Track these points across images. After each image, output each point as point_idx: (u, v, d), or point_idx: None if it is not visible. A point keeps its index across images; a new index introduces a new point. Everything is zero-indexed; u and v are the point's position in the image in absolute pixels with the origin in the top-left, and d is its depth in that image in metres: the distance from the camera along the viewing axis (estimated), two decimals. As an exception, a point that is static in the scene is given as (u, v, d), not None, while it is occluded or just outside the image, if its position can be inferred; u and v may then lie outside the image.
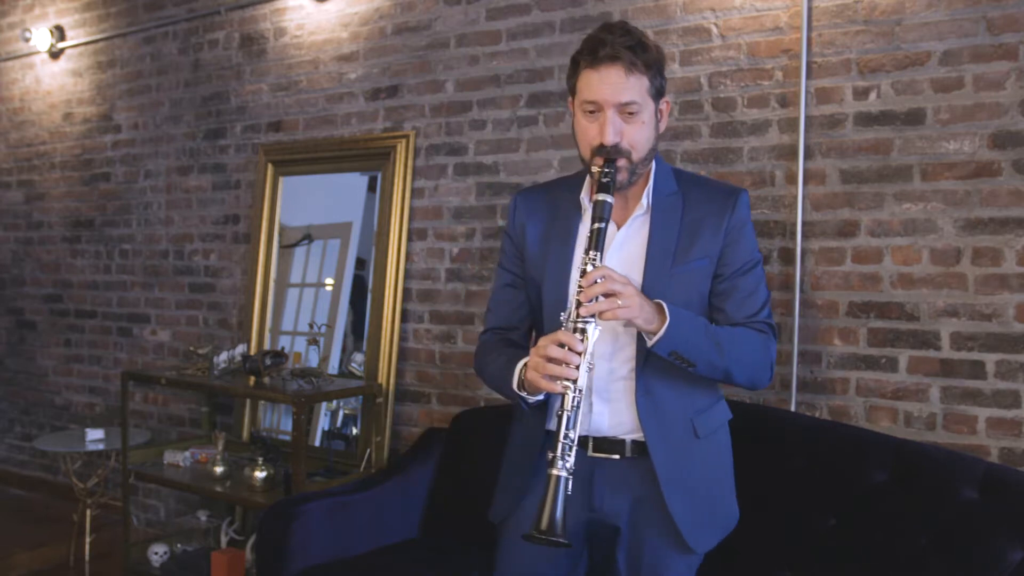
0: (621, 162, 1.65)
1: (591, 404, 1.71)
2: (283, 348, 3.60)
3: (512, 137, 3.17)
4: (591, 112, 1.66)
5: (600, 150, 1.65)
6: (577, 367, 1.54)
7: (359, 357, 3.47)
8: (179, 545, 3.66)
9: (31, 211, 4.88)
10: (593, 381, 1.70)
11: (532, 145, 3.13)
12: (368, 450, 3.32)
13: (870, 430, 2.44)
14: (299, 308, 3.71)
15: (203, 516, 3.72)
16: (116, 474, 3.91)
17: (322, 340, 3.57)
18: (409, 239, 3.42)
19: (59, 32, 4.63)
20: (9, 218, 5.00)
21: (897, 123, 2.49)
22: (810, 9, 2.60)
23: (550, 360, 1.54)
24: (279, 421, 3.67)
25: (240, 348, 3.55)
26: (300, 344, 3.65)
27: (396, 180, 3.40)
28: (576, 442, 1.54)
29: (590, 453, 1.73)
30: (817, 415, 2.60)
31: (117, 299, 4.45)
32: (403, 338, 3.42)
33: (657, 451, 1.68)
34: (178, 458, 3.55)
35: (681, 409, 1.71)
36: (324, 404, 3.51)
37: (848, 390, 2.56)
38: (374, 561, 2.69)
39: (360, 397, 3.40)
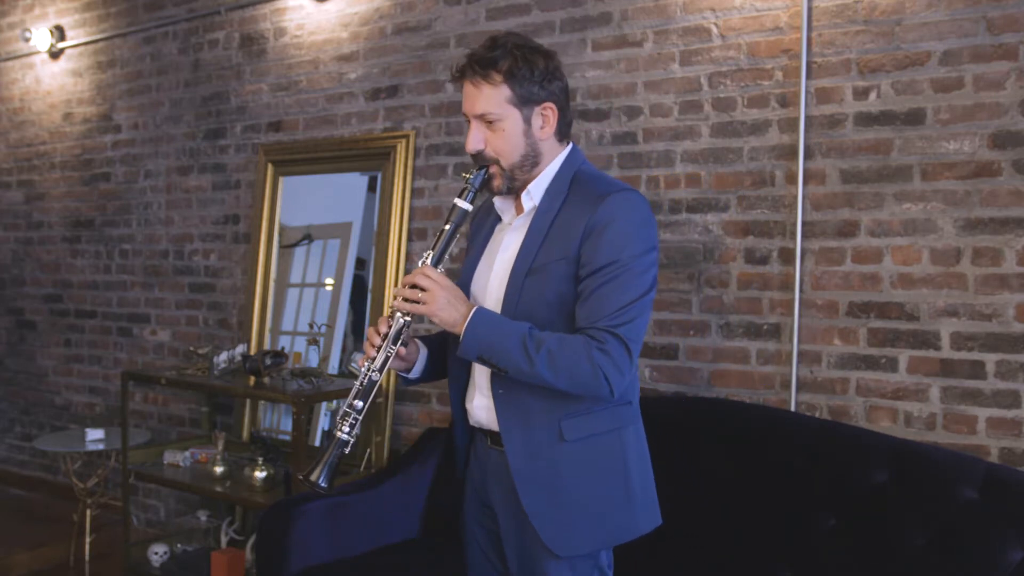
0: (494, 169, 1.73)
1: (474, 397, 1.79)
2: (283, 348, 3.60)
3: (512, 137, 3.17)
4: (467, 122, 1.75)
5: (472, 157, 1.74)
6: (377, 348, 1.70)
7: (359, 357, 3.47)
8: (179, 545, 3.66)
9: (31, 211, 4.88)
10: (475, 375, 1.79)
11: (532, 145, 3.13)
12: (368, 450, 3.32)
13: (870, 430, 2.44)
14: (299, 308, 3.71)
15: (203, 516, 3.72)
16: (116, 474, 3.91)
17: (322, 340, 3.57)
18: (409, 239, 3.42)
19: (59, 32, 4.63)
20: (9, 218, 5.01)
21: (897, 123, 2.49)
22: (810, 9, 2.60)
23: (368, 340, 1.73)
24: (279, 421, 3.67)
25: (240, 348, 3.56)
26: (300, 344, 3.65)
27: (396, 180, 3.40)
28: (362, 412, 1.70)
29: (488, 445, 1.79)
30: (817, 415, 2.60)
31: (117, 299, 4.45)
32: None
33: (513, 448, 1.70)
34: (178, 458, 3.55)
35: (546, 410, 1.68)
36: (324, 404, 3.51)
37: (848, 390, 2.56)
38: (374, 561, 2.69)
39: (360, 397, 3.39)
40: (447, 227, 1.70)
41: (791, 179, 2.64)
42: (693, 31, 2.80)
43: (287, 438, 3.52)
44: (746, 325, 2.72)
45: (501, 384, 1.71)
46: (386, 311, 1.74)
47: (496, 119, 1.69)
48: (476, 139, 1.72)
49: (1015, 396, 2.34)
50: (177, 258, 4.19)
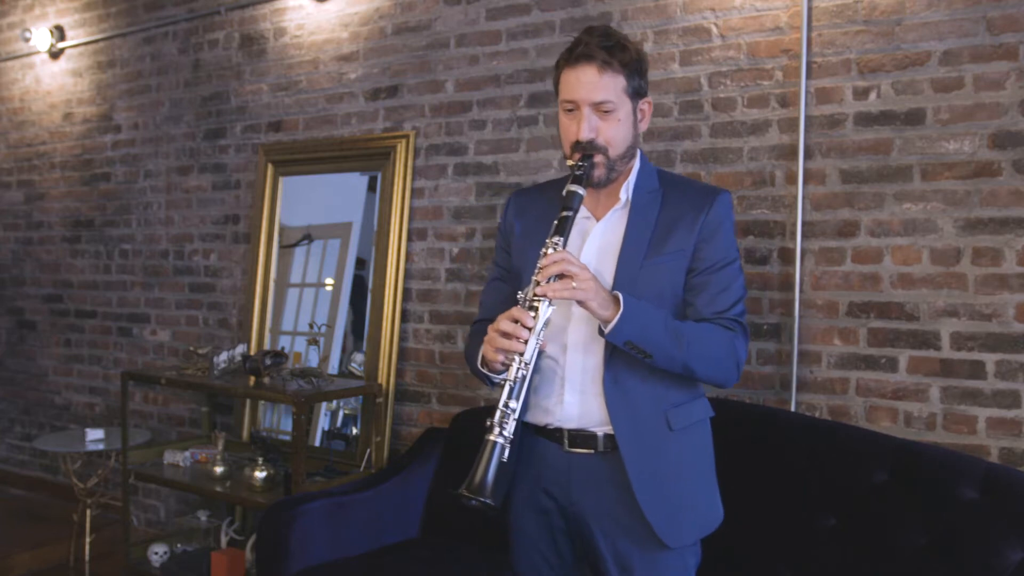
0: (598, 158, 1.70)
1: (563, 395, 1.75)
2: (283, 348, 3.60)
3: (512, 137, 3.17)
4: (570, 110, 1.72)
5: (577, 146, 1.70)
6: (525, 341, 1.58)
7: (359, 357, 3.48)
8: (179, 545, 3.66)
9: (31, 211, 4.88)
10: (566, 372, 1.74)
11: (532, 145, 3.13)
12: (368, 450, 3.32)
13: (870, 430, 2.44)
14: (299, 308, 3.71)
15: (203, 516, 3.72)
16: (116, 474, 3.91)
17: (322, 340, 3.57)
18: (409, 239, 3.42)
19: (59, 32, 4.63)
20: (9, 218, 5.01)
21: (897, 123, 2.49)
22: (810, 9, 2.60)
23: (503, 335, 1.60)
24: (279, 421, 3.68)
25: (240, 348, 3.56)
26: (300, 344, 3.65)
27: (396, 180, 3.40)
28: (518, 413, 1.58)
29: (566, 448, 1.76)
30: (817, 415, 2.60)
31: (117, 299, 4.45)
32: (403, 338, 3.42)
33: (627, 443, 1.69)
34: (178, 458, 3.55)
35: (653, 401, 1.72)
36: (324, 404, 3.51)
37: (848, 390, 2.56)
38: (374, 561, 2.69)
39: (360, 397, 3.40)
40: (567, 213, 1.65)
41: (791, 179, 2.64)
42: (693, 31, 2.80)
43: (287, 438, 3.52)
44: (746, 325, 2.72)
45: (613, 376, 1.70)
46: (523, 302, 1.64)
47: (613, 108, 1.69)
48: (590, 127, 1.69)
49: (1015, 396, 2.34)
50: (177, 258, 4.20)
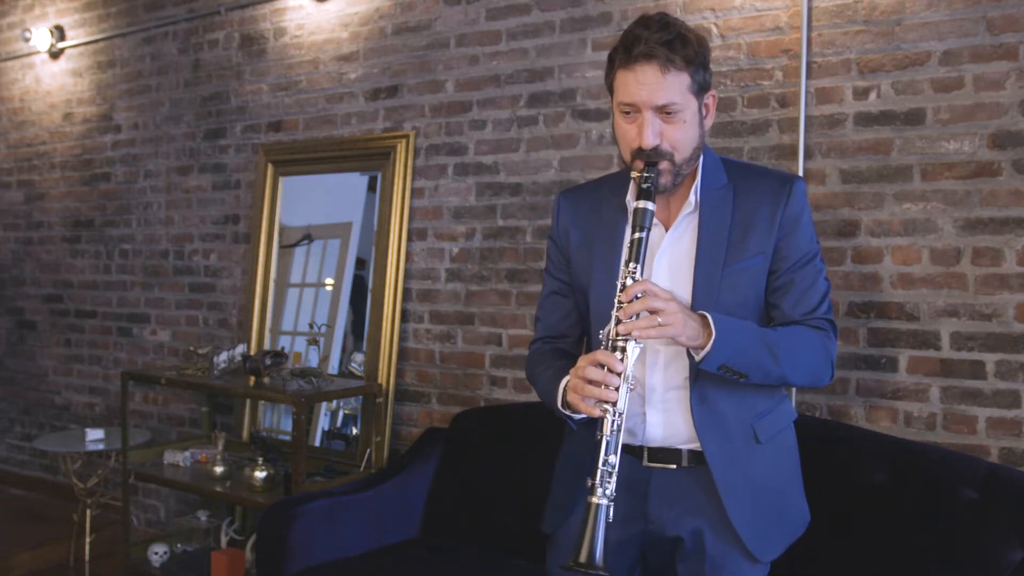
0: (663, 165, 1.56)
1: (644, 414, 1.65)
2: (283, 348, 3.60)
3: (512, 137, 3.17)
4: (628, 113, 1.57)
5: (640, 153, 1.56)
6: (616, 388, 1.47)
7: (359, 357, 3.47)
8: (179, 545, 3.66)
9: (31, 211, 4.88)
10: (647, 391, 1.64)
11: (532, 145, 3.13)
12: (368, 450, 3.32)
13: (870, 430, 2.44)
14: (299, 308, 3.71)
15: (203, 516, 3.72)
16: (116, 474, 3.91)
17: (322, 340, 3.57)
18: (409, 239, 3.42)
19: (59, 32, 4.63)
20: (9, 218, 5.01)
21: (897, 123, 2.49)
22: (810, 9, 2.60)
23: (589, 382, 1.48)
24: (279, 421, 3.67)
25: (240, 348, 3.56)
26: (300, 344, 3.65)
27: (396, 180, 3.40)
28: (617, 468, 1.47)
29: (645, 463, 1.66)
30: (817, 415, 2.60)
31: (117, 299, 4.45)
32: (403, 338, 3.42)
33: (716, 460, 1.60)
34: (178, 458, 3.55)
35: (740, 416, 1.63)
36: (324, 404, 3.51)
37: (848, 390, 2.56)
38: (374, 561, 2.69)
39: (360, 397, 3.40)
40: (639, 235, 1.51)
41: (791, 179, 2.64)
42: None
43: (287, 438, 3.52)
44: (746, 325, 2.72)
45: (700, 395, 1.60)
46: (605, 343, 1.54)
47: (679, 110, 1.54)
48: (654, 132, 1.54)
49: (1015, 396, 2.34)
50: (177, 258, 4.20)
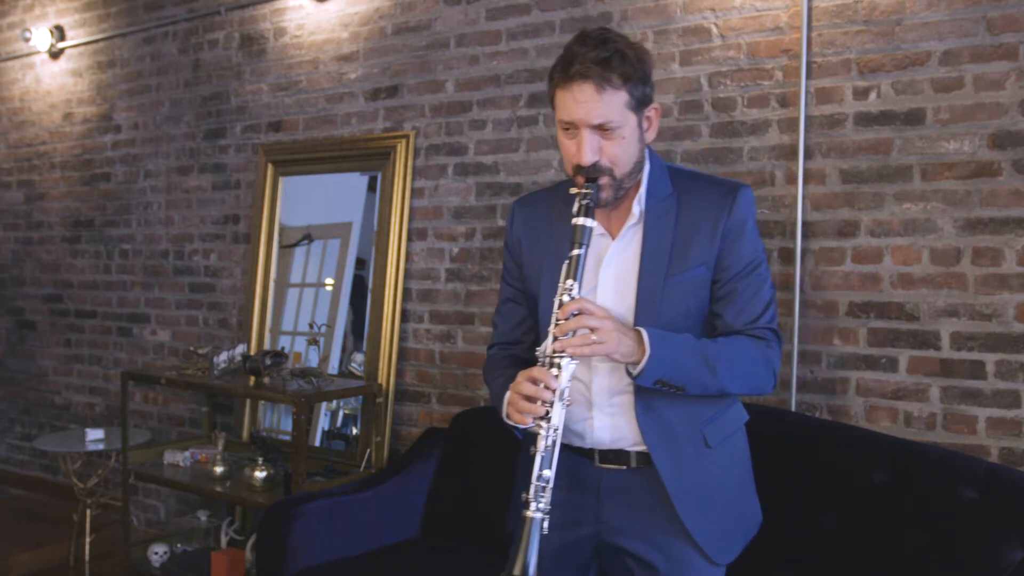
0: (603, 180, 1.58)
1: (592, 418, 1.67)
2: (283, 348, 3.60)
3: (512, 137, 3.17)
4: (567, 130, 1.58)
5: (580, 169, 1.57)
6: (551, 405, 1.50)
7: (359, 357, 3.47)
8: (179, 545, 3.66)
9: (31, 211, 4.88)
10: (593, 395, 1.66)
11: (532, 145, 3.13)
12: (368, 450, 3.32)
13: (870, 430, 2.44)
14: (299, 308, 3.71)
15: (203, 516, 3.72)
16: (116, 474, 3.91)
17: (322, 340, 3.57)
18: (409, 239, 3.42)
19: (59, 32, 4.63)
20: (9, 218, 5.01)
21: (897, 123, 2.49)
22: (810, 9, 2.60)
23: (525, 398, 1.51)
24: (279, 421, 3.68)
25: (240, 348, 3.56)
26: (300, 344, 3.65)
27: (396, 180, 3.40)
28: (552, 482, 1.49)
29: (596, 464, 1.69)
30: (817, 415, 2.60)
31: (117, 299, 4.45)
32: (403, 338, 3.42)
33: (665, 466, 1.62)
34: (178, 458, 3.55)
35: (687, 421, 1.64)
36: (324, 404, 3.51)
37: (848, 390, 2.56)
38: (374, 561, 2.69)
39: (360, 397, 3.40)
40: (578, 251, 1.53)
41: (791, 179, 2.64)
42: (693, 31, 2.80)
43: (287, 438, 3.52)
44: (746, 325, 2.72)
45: (644, 403, 1.62)
46: (542, 359, 1.57)
47: (616, 127, 1.54)
48: (592, 149, 1.54)
49: (1015, 396, 2.34)
50: (177, 258, 4.20)
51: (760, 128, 2.70)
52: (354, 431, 3.45)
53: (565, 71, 1.54)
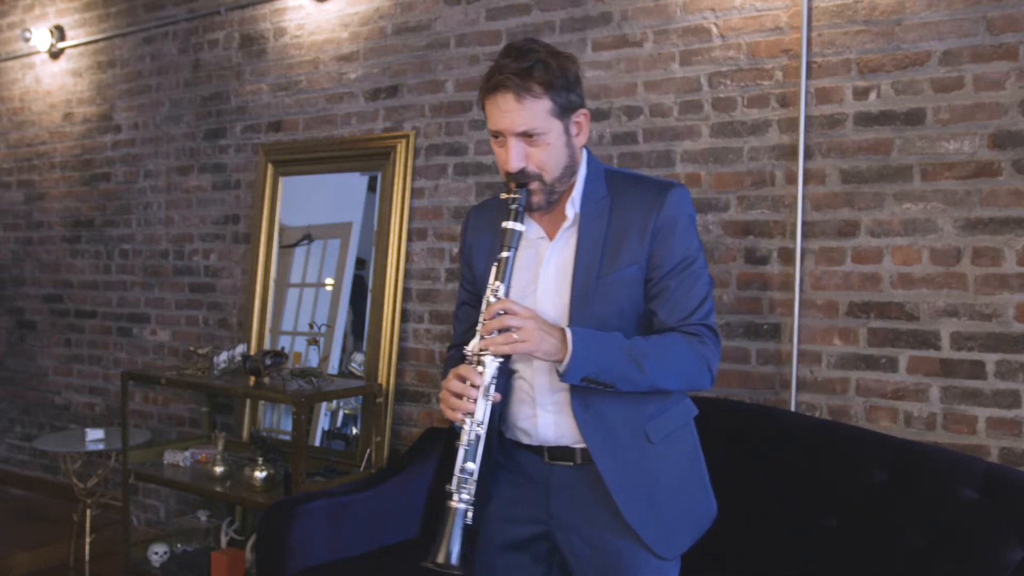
0: (534, 185, 1.63)
1: (536, 415, 1.71)
2: (283, 348, 3.60)
3: (512, 137, 3.17)
4: (497, 138, 1.65)
5: (509, 176, 1.63)
6: (475, 400, 1.55)
7: (359, 357, 3.48)
8: (179, 545, 3.66)
9: (31, 211, 4.88)
10: (536, 393, 1.71)
11: (532, 145, 3.13)
12: (368, 450, 3.32)
13: (870, 430, 2.44)
14: (299, 308, 3.71)
15: (203, 516, 3.72)
16: (116, 474, 3.91)
17: (322, 340, 3.57)
18: (409, 239, 3.42)
19: (59, 32, 4.63)
20: (9, 218, 5.01)
21: (897, 123, 2.49)
22: (810, 9, 2.60)
23: (453, 394, 1.58)
24: (279, 421, 3.68)
25: (240, 348, 3.56)
26: (300, 344, 3.65)
27: (396, 180, 3.40)
28: (476, 475, 1.55)
29: (546, 461, 1.73)
30: (817, 415, 2.60)
31: (117, 299, 4.45)
32: (403, 338, 3.42)
33: (604, 462, 1.65)
34: (178, 458, 3.55)
35: (627, 418, 1.67)
36: (324, 404, 3.51)
37: (848, 390, 2.56)
38: (374, 561, 2.69)
39: (360, 397, 3.40)
40: (506, 254, 1.59)
41: (791, 179, 2.64)
42: (693, 31, 2.80)
43: (287, 438, 3.52)
44: (746, 325, 2.72)
45: (581, 401, 1.65)
46: (470, 357, 1.63)
47: (540, 133, 1.60)
48: (518, 156, 1.61)
49: (1015, 396, 2.34)
50: (177, 258, 4.20)
51: (760, 128, 2.70)
52: (354, 431, 3.45)
53: (488, 82, 1.62)
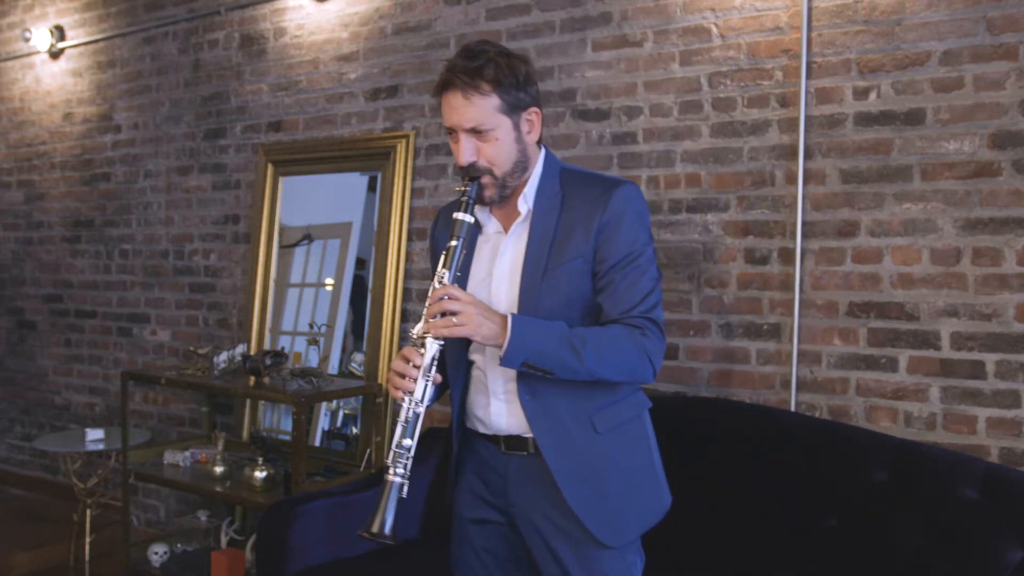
0: (485, 179, 1.71)
1: (490, 405, 1.77)
2: (283, 348, 3.60)
3: (512, 137, 3.17)
4: (451, 134, 1.72)
5: (461, 169, 1.72)
6: (415, 380, 1.63)
7: (359, 357, 3.48)
8: (179, 545, 3.66)
9: (31, 211, 4.88)
10: (490, 383, 1.76)
11: (532, 145, 3.13)
12: (368, 450, 3.32)
13: (870, 430, 2.44)
14: (299, 308, 3.71)
15: (203, 516, 3.72)
16: (116, 474, 3.91)
17: (322, 340, 3.57)
18: (409, 239, 3.42)
19: (59, 32, 4.63)
20: (9, 218, 5.01)
21: (897, 123, 2.49)
22: (810, 9, 2.60)
23: (397, 374, 1.66)
24: (279, 421, 3.68)
25: (240, 348, 3.56)
26: (300, 344, 3.65)
27: (396, 180, 3.40)
28: (412, 451, 1.63)
29: (503, 451, 1.78)
30: (817, 415, 2.60)
31: (117, 299, 4.45)
32: (403, 338, 3.42)
33: (548, 449, 1.70)
34: (178, 458, 3.55)
35: (574, 408, 1.71)
36: (324, 404, 3.51)
37: (848, 390, 2.56)
38: (374, 561, 2.69)
39: (360, 397, 3.40)
40: (455, 243, 1.68)
41: (791, 179, 2.64)
42: (693, 31, 2.80)
43: (287, 438, 3.52)
44: (746, 325, 2.72)
45: (528, 389, 1.70)
46: (414, 339, 1.70)
47: (488, 129, 1.68)
48: (468, 151, 1.70)
49: (1015, 396, 2.34)
50: (177, 258, 4.20)
51: (760, 128, 2.70)
52: (354, 431, 3.45)
53: (440, 80, 1.71)
